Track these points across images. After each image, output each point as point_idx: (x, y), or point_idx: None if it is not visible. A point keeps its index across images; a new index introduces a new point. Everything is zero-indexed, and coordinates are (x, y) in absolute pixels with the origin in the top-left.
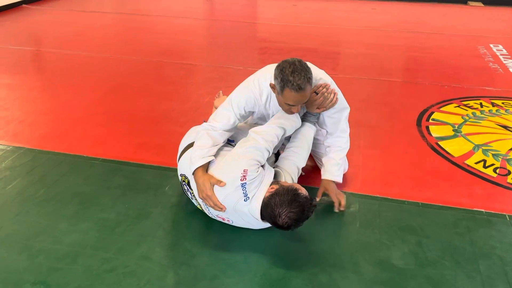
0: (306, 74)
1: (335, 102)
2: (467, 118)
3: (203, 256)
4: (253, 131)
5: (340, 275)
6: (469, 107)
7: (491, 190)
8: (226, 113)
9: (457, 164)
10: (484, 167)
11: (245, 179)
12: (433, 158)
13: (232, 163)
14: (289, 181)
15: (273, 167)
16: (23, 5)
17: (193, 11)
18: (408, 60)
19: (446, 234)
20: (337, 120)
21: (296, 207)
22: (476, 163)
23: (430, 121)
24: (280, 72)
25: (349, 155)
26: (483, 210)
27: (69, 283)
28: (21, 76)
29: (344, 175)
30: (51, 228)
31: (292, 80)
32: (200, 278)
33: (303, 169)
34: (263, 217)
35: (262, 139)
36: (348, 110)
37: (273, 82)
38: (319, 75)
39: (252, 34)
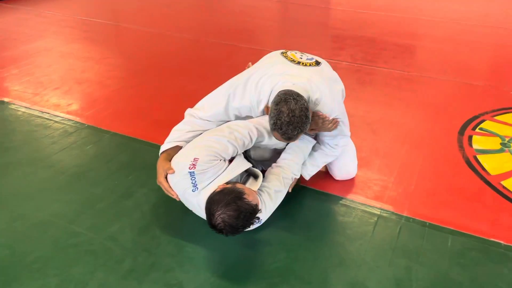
0: (302, 127)
1: (332, 129)
2: None
3: (167, 246)
4: (229, 123)
5: None
6: None
7: None
8: (215, 108)
9: (490, 183)
10: None
11: (194, 168)
12: (464, 173)
13: (187, 150)
14: (272, 188)
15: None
16: None
17: None
18: (478, 59)
19: (445, 263)
20: (332, 137)
21: (232, 210)
22: None
23: (477, 130)
24: (276, 115)
25: (366, 157)
26: (502, 242)
27: (33, 251)
28: (76, 45)
29: (353, 178)
30: (40, 195)
31: (285, 130)
32: (156, 268)
33: None
34: None
35: (230, 133)
36: (345, 139)
37: (268, 104)
38: (323, 100)
39: (315, 18)
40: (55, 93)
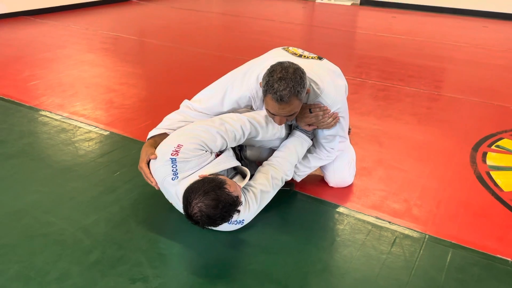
0: (295, 86)
1: (332, 126)
2: None
3: (141, 240)
4: (222, 115)
5: None
6: None
7: None
8: (212, 100)
9: (502, 199)
10: None
11: (177, 154)
12: (474, 188)
13: (173, 136)
14: (258, 188)
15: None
16: (133, 0)
17: (293, 16)
18: (502, 82)
19: (442, 278)
20: (330, 140)
21: (210, 200)
22: None
23: (493, 147)
24: (268, 74)
25: (369, 167)
26: (509, 259)
27: (1, 238)
28: (93, 55)
29: (350, 186)
30: (21, 185)
31: (276, 88)
32: (124, 262)
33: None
34: None
35: (221, 125)
36: (343, 144)
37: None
38: (326, 90)
39: (334, 40)
40: (61, 95)
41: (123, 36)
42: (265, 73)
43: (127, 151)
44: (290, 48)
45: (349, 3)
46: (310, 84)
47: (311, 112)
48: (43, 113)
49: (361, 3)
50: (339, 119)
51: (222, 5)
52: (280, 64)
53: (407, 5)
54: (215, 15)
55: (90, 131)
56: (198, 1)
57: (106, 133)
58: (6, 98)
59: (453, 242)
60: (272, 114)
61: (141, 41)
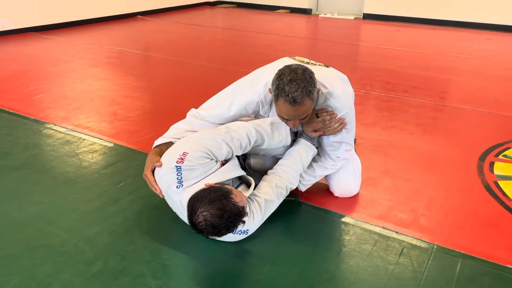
0: (306, 86)
1: (338, 132)
2: None
3: (143, 251)
4: (227, 124)
5: None
6: None
7: None
8: (219, 108)
9: (511, 209)
10: None
11: (182, 162)
12: (482, 198)
13: (178, 144)
14: (262, 196)
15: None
16: (138, 16)
17: (297, 30)
18: (504, 91)
19: None
20: (335, 148)
21: (215, 209)
22: None
23: (500, 157)
24: (278, 78)
25: (374, 177)
26: None
27: (3, 249)
28: (98, 69)
29: (356, 196)
30: (25, 197)
31: (288, 90)
32: (126, 273)
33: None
34: None
35: (226, 133)
36: (348, 153)
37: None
38: (335, 93)
39: (338, 52)
40: (66, 108)
41: (128, 51)
42: (274, 78)
43: (131, 162)
44: (297, 57)
45: (352, 17)
46: (320, 89)
47: (318, 117)
48: (47, 125)
49: (364, 17)
50: (345, 124)
51: (226, 20)
52: (287, 67)
53: (410, 18)
54: (219, 29)
55: (94, 143)
56: (203, 17)
57: (110, 145)
58: (11, 111)
59: (462, 252)
60: (285, 120)
61: (146, 55)
